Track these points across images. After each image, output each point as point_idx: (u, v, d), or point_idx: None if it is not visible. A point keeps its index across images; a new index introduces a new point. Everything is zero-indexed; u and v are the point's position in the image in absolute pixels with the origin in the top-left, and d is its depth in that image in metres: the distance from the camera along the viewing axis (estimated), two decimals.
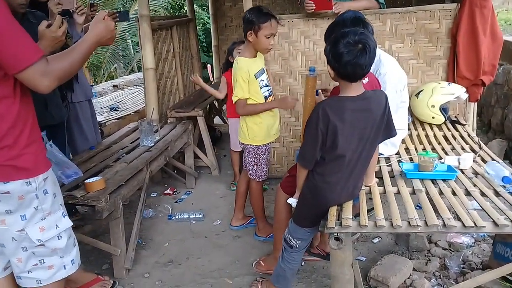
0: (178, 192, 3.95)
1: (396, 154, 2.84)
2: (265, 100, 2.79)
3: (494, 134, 4.63)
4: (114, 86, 7.37)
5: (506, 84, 4.43)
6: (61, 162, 2.59)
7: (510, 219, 1.78)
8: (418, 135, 3.22)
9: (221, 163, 4.56)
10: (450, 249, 2.76)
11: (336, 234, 1.85)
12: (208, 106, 5.26)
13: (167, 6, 10.73)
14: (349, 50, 1.85)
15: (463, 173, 2.41)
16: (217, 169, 4.31)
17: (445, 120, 3.41)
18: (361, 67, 1.87)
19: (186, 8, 8.34)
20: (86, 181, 2.50)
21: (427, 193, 2.14)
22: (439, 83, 3.44)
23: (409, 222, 1.81)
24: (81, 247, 2.79)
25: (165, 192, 3.91)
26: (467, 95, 3.42)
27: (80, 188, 2.51)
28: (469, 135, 3.18)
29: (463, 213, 1.85)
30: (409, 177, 2.33)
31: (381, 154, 2.76)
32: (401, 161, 2.61)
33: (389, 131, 2.10)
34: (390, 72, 2.64)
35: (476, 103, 3.72)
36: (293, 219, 2.20)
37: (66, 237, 1.85)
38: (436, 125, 3.41)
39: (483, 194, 2.10)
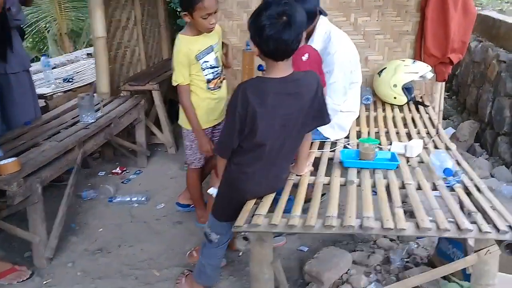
0: (127, 171, 3.73)
1: (346, 138, 2.63)
2: (208, 83, 2.52)
3: (468, 115, 4.40)
4: (88, 54, 7.02)
5: (483, 62, 4.17)
6: None
7: (434, 220, 1.58)
8: (376, 117, 3.00)
9: (180, 141, 4.32)
10: (397, 240, 2.57)
11: (243, 233, 1.64)
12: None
13: None
14: (271, 23, 1.61)
15: (408, 162, 2.21)
16: (173, 147, 4.08)
17: (408, 101, 3.18)
18: (285, 42, 1.63)
19: None
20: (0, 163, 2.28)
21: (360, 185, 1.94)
22: (403, 60, 3.19)
23: (323, 222, 1.60)
24: (4, 233, 2.64)
25: (113, 171, 3.70)
26: (432, 74, 3.18)
27: None
28: (430, 118, 2.96)
29: (386, 212, 1.64)
30: (346, 165, 2.12)
31: (327, 138, 2.54)
32: (347, 147, 2.39)
33: (321, 118, 1.88)
34: (339, 52, 2.38)
35: (444, 83, 3.48)
36: (212, 212, 1.99)
37: None
38: (398, 106, 3.19)
39: (419, 188, 1.89)
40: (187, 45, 2.40)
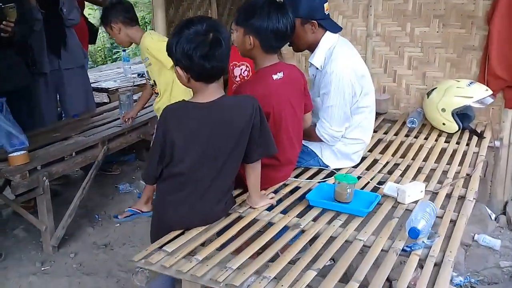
0: None
1: (354, 167, 2.32)
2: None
3: None
4: None
5: None
6: (7, 130, 2.61)
7: None
8: (410, 145, 2.59)
9: None
10: None
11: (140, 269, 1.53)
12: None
13: None
14: (200, 41, 1.48)
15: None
16: None
17: (461, 129, 2.68)
18: (219, 59, 1.52)
19: None
20: (10, 154, 2.49)
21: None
22: (458, 81, 2.70)
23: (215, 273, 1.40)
24: None
25: None
26: (492, 100, 2.62)
27: (3, 162, 2.52)
28: (477, 154, 2.46)
29: (292, 274, 1.38)
30: (312, 204, 1.85)
31: (326, 166, 2.26)
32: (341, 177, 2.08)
33: (264, 147, 1.68)
34: (337, 73, 2.08)
35: None
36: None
37: None
38: (448, 133, 2.71)
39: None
40: None
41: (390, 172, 2.26)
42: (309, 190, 2.01)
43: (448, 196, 1.99)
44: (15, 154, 2.48)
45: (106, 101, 4.15)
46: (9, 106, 2.71)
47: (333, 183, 1.91)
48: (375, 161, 2.40)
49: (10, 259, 2.64)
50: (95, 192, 3.32)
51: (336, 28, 2.24)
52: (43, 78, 3.23)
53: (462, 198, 1.97)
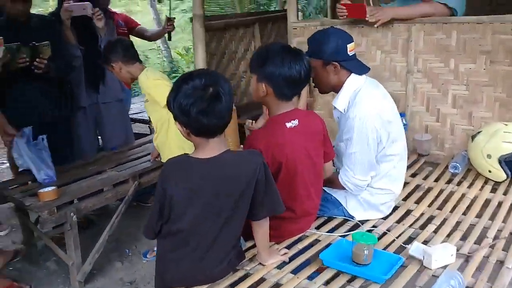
0: None
1: (383, 218, 2.15)
2: None
3: None
4: None
5: None
6: (39, 162, 2.71)
7: None
8: (450, 194, 2.38)
9: None
10: None
11: None
12: None
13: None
14: (198, 97, 1.42)
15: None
16: None
17: (508, 178, 2.43)
18: (218, 115, 1.45)
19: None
20: (39, 190, 2.56)
21: None
22: (506, 125, 2.46)
23: None
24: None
25: None
26: None
27: (34, 196, 2.58)
28: None
29: None
30: (325, 264, 1.72)
31: (352, 217, 2.12)
32: (359, 236, 1.93)
33: (269, 206, 1.58)
34: (360, 118, 1.95)
35: None
36: None
37: None
38: (495, 182, 2.46)
39: None
40: None
41: (423, 227, 2.07)
42: (328, 245, 1.88)
43: (484, 260, 1.77)
44: (44, 190, 2.54)
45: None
46: (49, 138, 2.83)
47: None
48: (408, 212, 2.21)
49: None
50: (129, 224, 3.34)
51: (361, 70, 2.11)
52: (82, 112, 3.33)
53: (500, 263, 1.75)
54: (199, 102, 1.42)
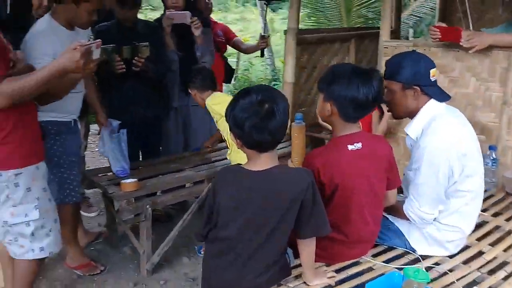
0: None
1: (449, 257, 2.01)
2: None
3: None
4: None
5: None
6: (117, 153, 2.94)
7: None
8: None
9: None
10: None
11: None
12: None
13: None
14: (253, 112, 1.48)
15: None
16: None
17: None
18: (270, 132, 1.49)
19: None
20: (122, 181, 2.78)
21: None
22: None
23: None
24: None
25: None
26: None
27: (117, 186, 2.82)
28: None
29: None
30: None
31: (413, 250, 2.01)
32: (411, 271, 1.81)
33: (314, 227, 1.58)
34: (431, 148, 1.85)
35: None
36: None
37: (34, 226, 2.15)
38: None
39: None
40: None
41: (492, 272, 1.90)
42: (382, 274, 1.81)
43: None
44: (126, 181, 2.77)
45: None
46: (141, 135, 3.09)
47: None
48: (478, 254, 2.04)
49: (111, 273, 2.92)
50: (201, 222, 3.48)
51: (442, 97, 2.01)
52: (173, 112, 3.56)
53: None
54: (253, 117, 1.46)
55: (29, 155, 2.10)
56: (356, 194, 1.78)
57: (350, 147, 1.76)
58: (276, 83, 10.13)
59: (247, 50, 4.42)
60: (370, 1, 8.18)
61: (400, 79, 1.98)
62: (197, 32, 3.30)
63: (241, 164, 1.61)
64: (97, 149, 4.49)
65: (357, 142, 1.77)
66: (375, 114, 2.92)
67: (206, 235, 1.66)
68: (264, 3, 3.93)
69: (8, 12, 2.32)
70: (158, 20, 3.49)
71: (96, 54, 2.02)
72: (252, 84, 9.86)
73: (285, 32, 3.88)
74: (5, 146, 2.01)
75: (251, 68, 10.62)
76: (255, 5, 16.46)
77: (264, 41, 3.94)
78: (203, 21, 3.39)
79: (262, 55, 4.17)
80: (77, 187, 2.75)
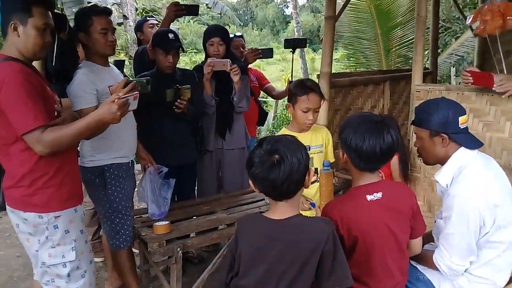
0: None
1: None
2: None
3: None
4: None
5: None
6: (159, 198, 3.04)
7: None
8: None
9: None
10: None
11: None
12: None
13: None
14: (260, 161, 1.52)
15: None
16: None
17: None
18: (271, 182, 1.50)
19: None
20: (155, 223, 2.86)
21: None
22: None
23: None
24: None
25: None
26: None
27: (150, 228, 2.89)
28: None
29: None
30: None
31: None
32: None
33: (336, 279, 1.56)
34: (462, 197, 1.82)
35: None
36: None
37: (70, 267, 2.24)
38: None
39: None
40: None
41: None
42: None
43: None
44: (158, 223, 2.84)
45: None
46: (176, 177, 3.16)
47: None
48: None
49: None
50: None
51: (473, 144, 1.97)
52: (208, 155, 3.65)
53: None
54: (259, 166, 1.51)
55: (68, 198, 2.22)
56: (378, 246, 1.76)
57: (369, 197, 1.75)
58: None
59: (278, 96, 4.54)
60: (410, 41, 8.15)
61: (428, 126, 1.98)
62: (235, 79, 3.41)
63: (262, 212, 1.64)
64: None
65: (377, 192, 1.76)
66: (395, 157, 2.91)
67: (229, 283, 1.67)
68: (290, 51, 4.02)
69: (53, 64, 2.51)
70: (199, 67, 3.63)
71: (133, 106, 2.15)
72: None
73: (318, 76, 3.94)
74: (47, 189, 2.14)
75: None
76: None
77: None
78: (241, 68, 3.51)
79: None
80: (132, 232, 2.86)
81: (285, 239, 1.54)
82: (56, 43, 2.49)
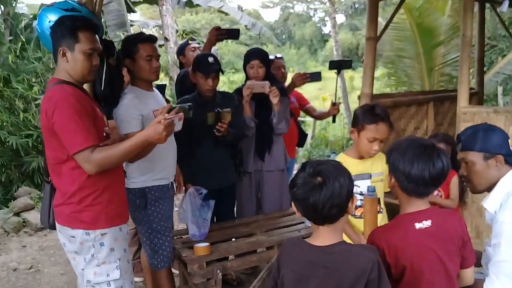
0: None
1: None
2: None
3: None
4: None
5: None
6: (199, 220, 3.06)
7: None
8: None
9: None
10: None
11: None
12: None
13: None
14: (302, 182, 1.50)
15: None
16: None
17: None
18: (312, 206, 1.48)
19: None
20: (195, 245, 2.87)
21: None
22: None
23: None
24: None
25: None
26: None
27: (191, 249, 2.90)
28: None
29: None
30: None
31: None
32: None
33: None
34: (510, 223, 1.73)
35: None
36: None
37: (114, 286, 2.27)
38: None
39: None
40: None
41: None
42: None
43: None
44: (199, 245, 2.85)
45: None
46: (216, 199, 3.18)
47: None
48: None
49: None
50: None
51: None
52: (247, 177, 3.65)
53: None
54: (300, 188, 1.49)
55: (115, 216, 2.27)
56: (426, 276, 1.69)
57: (417, 225, 1.69)
58: (351, 143, 10.04)
59: (319, 117, 4.51)
60: (454, 60, 7.97)
61: (483, 147, 1.90)
62: (275, 101, 3.42)
63: (304, 238, 1.62)
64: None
65: (427, 220, 1.70)
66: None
67: None
68: (335, 72, 3.95)
69: (102, 88, 2.60)
70: (239, 90, 3.68)
71: (178, 127, 2.19)
72: (329, 142, 9.86)
73: (359, 97, 3.91)
74: (95, 206, 2.19)
75: (329, 127, 10.67)
76: None
77: (335, 108, 3.95)
78: (280, 90, 3.52)
79: (334, 121, 4.18)
80: (171, 252, 2.89)
81: (329, 266, 1.50)
82: (105, 68, 2.59)
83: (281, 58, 4.19)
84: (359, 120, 2.30)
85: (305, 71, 4.27)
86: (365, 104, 2.61)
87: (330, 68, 3.97)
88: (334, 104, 3.93)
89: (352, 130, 2.37)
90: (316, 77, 3.94)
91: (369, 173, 2.37)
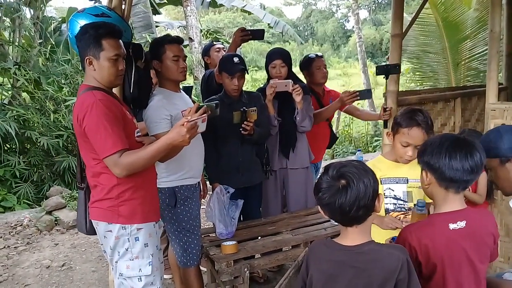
0: None
1: None
2: (385, 213, 2.33)
3: None
4: None
5: None
6: (226, 218, 3.10)
7: None
8: None
9: None
10: None
11: None
12: None
13: None
14: (327, 186, 1.52)
15: None
16: None
17: None
18: (339, 208, 1.49)
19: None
20: (223, 243, 2.91)
21: None
22: None
23: None
24: None
25: None
26: None
27: (218, 247, 2.95)
28: None
29: None
30: None
31: None
32: None
33: None
34: None
35: None
36: None
37: (145, 282, 2.35)
38: None
39: None
40: (377, 168, 2.21)
41: None
42: None
43: None
44: (226, 243, 2.89)
45: None
46: (242, 198, 3.23)
47: None
48: None
49: None
50: None
51: None
52: (273, 175, 3.68)
53: None
54: (325, 192, 1.50)
55: (149, 212, 2.36)
56: (456, 277, 1.69)
57: (452, 225, 1.69)
58: (377, 138, 9.95)
59: (363, 117, 4.43)
60: (481, 54, 7.79)
61: (496, 153, 1.92)
62: (298, 99, 3.43)
63: (333, 238, 1.64)
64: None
65: (461, 220, 1.69)
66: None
67: None
68: (383, 77, 3.72)
69: (131, 91, 2.67)
70: (262, 88, 3.71)
71: (202, 128, 2.23)
72: (353, 139, 9.78)
73: (384, 95, 3.86)
74: (133, 201, 2.28)
75: (352, 124, 10.59)
76: (357, 59, 16.65)
77: (386, 114, 3.70)
78: (303, 88, 3.53)
79: (386, 126, 3.79)
80: (199, 250, 2.94)
81: (357, 266, 1.52)
82: (133, 71, 2.66)
83: (321, 56, 4.06)
84: (395, 122, 2.26)
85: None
86: (408, 106, 2.58)
87: (378, 74, 3.78)
88: (385, 110, 3.72)
89: (388, 132, 2.35)
90: (366, 95, 3.83)
91: (406, 177, 2.31)
